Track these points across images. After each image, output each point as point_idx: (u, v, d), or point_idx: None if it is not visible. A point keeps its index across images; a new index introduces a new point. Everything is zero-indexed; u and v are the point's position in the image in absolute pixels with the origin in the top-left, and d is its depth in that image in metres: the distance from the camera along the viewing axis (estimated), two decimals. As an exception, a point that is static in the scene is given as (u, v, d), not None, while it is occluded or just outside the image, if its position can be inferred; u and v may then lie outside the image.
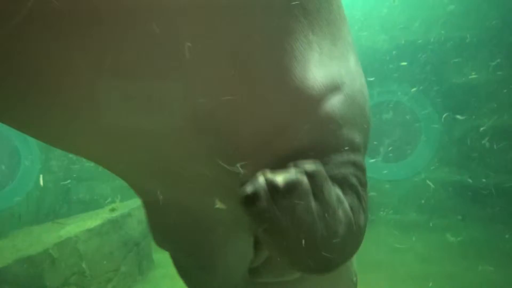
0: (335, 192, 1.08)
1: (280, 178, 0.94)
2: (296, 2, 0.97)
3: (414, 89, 9.98)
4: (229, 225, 1.41)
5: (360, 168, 1.20)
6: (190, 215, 1.38)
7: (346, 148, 1.15)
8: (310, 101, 1.06)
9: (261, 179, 0.95)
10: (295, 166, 1.01)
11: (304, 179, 0.97)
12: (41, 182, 8.80)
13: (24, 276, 4.17)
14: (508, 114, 8.88)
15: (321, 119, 1.09)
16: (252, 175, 0.98)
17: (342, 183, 1.14)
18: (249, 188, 0.94)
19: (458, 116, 9.54)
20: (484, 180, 8.80)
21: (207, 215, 1.37)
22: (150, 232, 1.53)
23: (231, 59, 0.92)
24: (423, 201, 9.37)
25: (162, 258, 6.77)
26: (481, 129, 9.00)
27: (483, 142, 8.98)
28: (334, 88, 1.11)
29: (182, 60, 0.86)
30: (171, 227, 1.46)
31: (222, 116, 1.00)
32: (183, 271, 1.61)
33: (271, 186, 0.93)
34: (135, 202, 6.61)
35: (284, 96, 1.03)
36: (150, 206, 1.47)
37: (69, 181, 9.50)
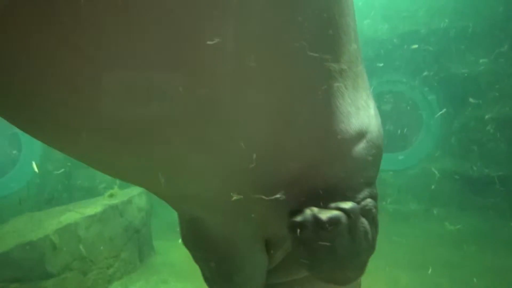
0: (363, 226, 1.31)
1: (325, 215, 1.17)
2: (334, 63, 1.13)
3: (416, 79, 9.94)
4: (248, 240, 1.60)
5: (375, 197, 1.43)
6: (217, 231, 1.56)
7: (367, 183, 1.38)
8: (342, 148, 1.26)
9: (309, 213, 1.18)
10: (336, 205, 1.23)
11: (344, 218, 1.19)
12: (36, 169, 8.81)
13: (26, 261, 4.21)
14: (510, 105, 8.86)
15: (349, 162, 1.29)
16: (298, 206, 1.20)
17: (366, 215, 1.36)
18: (298, 218, 1.17)
19: (459, 106, 9.52)
20: (486, 170, 8.83)
21: (231, 232, 1.56)
22: (183, 241, 1.71)
23: (276, 110, 1.07)
24: (424, 191, 9.42)
25: (162, 246, 6.82)
26: (483, 119, 8.99)
27: (484, 132, 8.98)
28: (360, 136, 1.30)
29: (230, 108, 1.00)
30: (199, 238, 1.63)
31: (267, 155, 1.16)
32: (206, 276, 1.77)
33: (317, 220, 1.16)
34: (135, 190, 6.64)
35: (321, 142, 1.22)
36: (183, 219, 1.66)
37: (69, 168, 9.52)
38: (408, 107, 10.47)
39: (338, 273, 1.32)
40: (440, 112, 9.50)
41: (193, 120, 0.98)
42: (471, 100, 9.16)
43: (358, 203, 1.32)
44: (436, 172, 9.09)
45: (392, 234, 7.09)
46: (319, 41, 1.05)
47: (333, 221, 1.17)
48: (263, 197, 1.20)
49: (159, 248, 6.77)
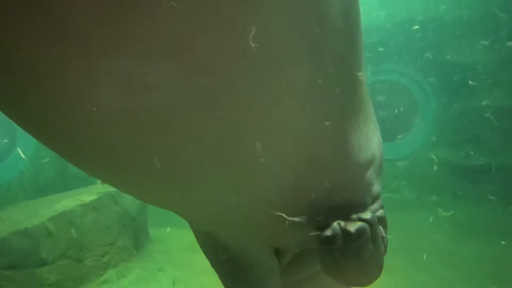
0: (381, 232, 1.47)
1: (352, 227, 1.30)
2: (349, 104, 1.27)
3: (411, 67, 9.93)
4: (259, 250, 1.74)
5: (383, 206, 1.63)
6: (230, 243, 1.68)
7: (376, 198, 1.57)
8: (354, 175, 1.44)
9: (337, 226, 1.31)
10: (358, 216, 1.38)
11: (367, 227, 1.35)
12: (22, 155, 8.75)
13: (21, 248, 4.22)
14: (505, 93, 8.88)
15: (360, 185, 1.48)
16: (314, 220, 1.35)
17: (381, 222, 1.53)
18: (328, 232, 1.30)
19: (455, 94, 9.54)
20: (481, 158, 8.89)
21: (244, 244, 1.69)
22: (200, 247, 1.84)
23: (298, 146, 1.18)
24: (419, 180, 9.48)
25: (158, 234, 6.84)
26: (479, 107, 9.01)
27: (479, 120, 9.01)
28: (369, 165, 1.49)
29: (268, 150, 1.08)
30: (212, 247, 1.77)
31: (290, 185, 1.29)
32: (221, 278, 1.90)
33: (346, 232, 1.29)
34: (131, 178, 6.61)
35: (340, 170, 1.38)
36: (196, 231, 1.79)
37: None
38: (404, 95, 10.48)
39: (363, 277, 1.46)
40: (439, 95, 9.50)
41: (221, 145, 1.02)
42: (466, 88, 9.17)
43: (373, 212, 1.50)
44: (434, 158, 9.14)
45: (389, 223, 7.14)
46: (338, 84, 1.15)
47: (360, 231, 1.31)
48: (285, 216, 1.30)
49: (155, 236, 6.79)
